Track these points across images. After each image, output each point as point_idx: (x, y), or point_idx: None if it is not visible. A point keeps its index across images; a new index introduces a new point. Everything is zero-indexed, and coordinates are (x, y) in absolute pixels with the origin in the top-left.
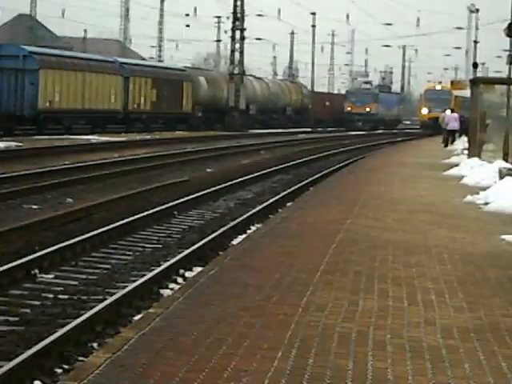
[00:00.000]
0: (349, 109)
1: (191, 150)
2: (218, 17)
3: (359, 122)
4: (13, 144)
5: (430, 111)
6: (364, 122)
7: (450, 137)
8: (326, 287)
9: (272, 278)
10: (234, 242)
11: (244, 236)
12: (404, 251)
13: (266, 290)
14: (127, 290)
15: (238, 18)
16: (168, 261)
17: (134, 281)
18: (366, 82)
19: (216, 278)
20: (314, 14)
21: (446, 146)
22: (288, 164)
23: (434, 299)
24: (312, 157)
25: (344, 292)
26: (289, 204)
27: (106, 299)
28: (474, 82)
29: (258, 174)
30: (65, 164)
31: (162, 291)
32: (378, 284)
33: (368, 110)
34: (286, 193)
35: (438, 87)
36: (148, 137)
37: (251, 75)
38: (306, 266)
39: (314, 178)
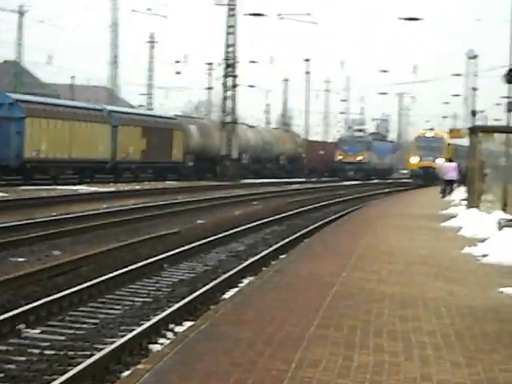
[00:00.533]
0: (340, 157)
1: (182, 201)
2: (210, 63)
3: (351, 172)
4: None
5: (420, 160)
6: (356, 171)
7: (448, 187)
8: (320, 342)
9: (264, 332)
10: (226, 295)
11: (236, 289)
12: (400, 304)
13: (258, 345)
14: (115, 345)
15: (229, 64)
16: (157, 315)
17: (122, 336)
18: (359, 130)
19: (207, 332)
20: (307, 60)
21: (443, 196)
22: (281, 215)
23: (431, 354)
24: (306, 207)
25: (339, 347)
26: (282, 256)
27: (93, 355)
28: (473, 131)
29: (250, 225)
30: (52, 215)
31: (151, 346)
32: (374, 338)
33: (360, 158)
34: (279, 245)
35: (430, 134)
36: (137, 187)
37: (244, 123)
38: (299, 321)
39: (308, 229)
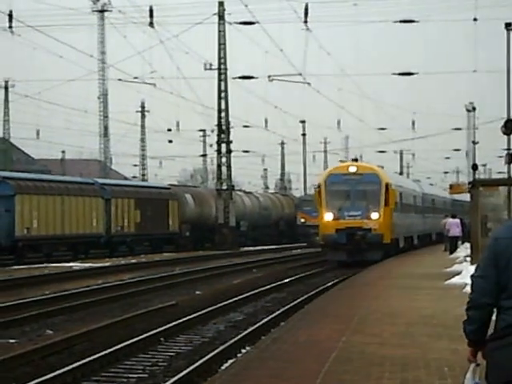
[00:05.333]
0: (302, 220)
1: (179, 273)
2: (203, 130)
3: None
4: None
5: (337, 217)
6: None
7: (452, 244)
8: None
9: None
10: (224, 366)
11: (233, 360)
12: (401, 367)
13: None
14: None
15: (223, 130)
16: None
17: None
18: None
19: None
20: (303, 122)
21: (450, 253)
22: (281, 282)
23: None
24: (306, 273)
25: None
26: (282, 324)
27: None
28: (474, 185)
29: (249, 293)
30: (45, 294)
31: None
32: None
33: None
34: (279, 312)
35: (353, 169)
36: (133, 260)
37: (240, 190)
38: None
39: (308, 295)
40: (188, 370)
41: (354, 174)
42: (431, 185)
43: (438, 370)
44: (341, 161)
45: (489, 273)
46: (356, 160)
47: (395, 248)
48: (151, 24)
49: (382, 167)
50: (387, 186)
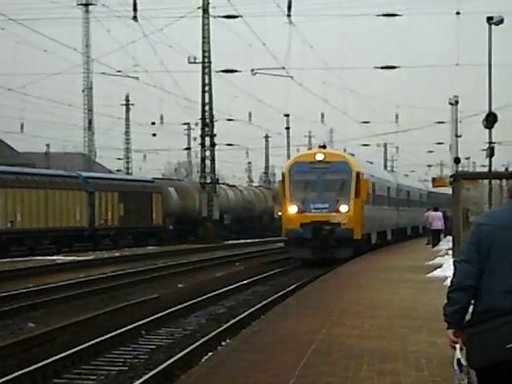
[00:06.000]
0: (280, 214)
1: (162, 266)
2: (187, 123)
3: None
4: None
5: (301, 210)
6: None
7: (434, 237)
8: None
9: None
10: (204, 359)
11: (213, 352)
12: (380, 359)
13: None
14: None
15: (206, 124)
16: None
17: None
18: None
19: None
20: (287, 115)
21: (433, 246)
22: (264, 275)
23: None
24: (290, 266)
25: None
26: (262, 316)
27: None
28: (455, 178)
29: (231, 287)
30: (27, 287)
31: None
32: None
33: None
34: (260, 305)
35: (320, 156)
36: (117, 254)
37: (224, 183)
38: (274, 381)
39: (291, 288)
40: (168, 362)
41: (321, 162)
42: (406, 175)
43: (415, 362)
44: (308, 148)
45: (472, 257)
46: (324, 147)
47: (367, 244)
48: (135, 18)
49: (353, 155)
50: (358, 175)
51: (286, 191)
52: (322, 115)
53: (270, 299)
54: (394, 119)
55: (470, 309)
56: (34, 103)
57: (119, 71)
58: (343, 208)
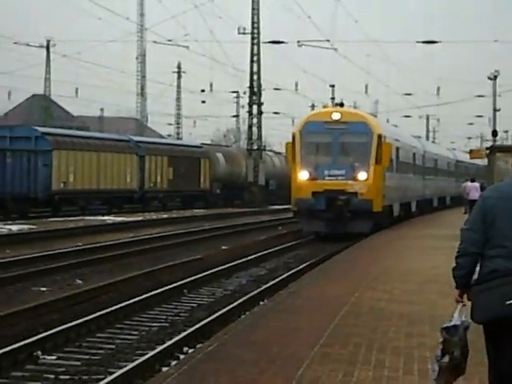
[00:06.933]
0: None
1: (208, 228)
2: (236, 92)
3: None
4: (25, 227)
5: (313, 177)
6: None
7: (471, 207)
8: (323, 360)
9: (270, 352)
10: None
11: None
12: (408, 322)
13: (261, 365)
14: (127, 368)
15: (254, 92)
16: (172, 339)
17: (136, 360)
18: None
19: (213, 353)
20: (333, 86)
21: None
22: (305, 239)
23: (430, 368)
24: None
25: (341, 363)
26: (299, 279)
27: (105, 378)
28: (491, 151)
29: (273, 250)
30: (77, 246)
31: (164, 369)
32: (377, 354)
33: None
34: (298, 268)
35: (336, 116)
36: (165, 215)
37: (270, 150)
38: (305, 340)
39: (331, 252)
40: (206, 320)
41: (337, 122)
42: (433, 142)
43: (441, 325)
44: (324, 106)
45: (477, 227)
46: (341, 105)
47: (388, 217)
48: None
49: (375, 116)
50: (380, 138)
51: (297, 155)
52: (366, 87)
53: (308, 263)
54: (435, 92)
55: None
56: (89, 69)
57: (170, 40)
58: (362, 175)
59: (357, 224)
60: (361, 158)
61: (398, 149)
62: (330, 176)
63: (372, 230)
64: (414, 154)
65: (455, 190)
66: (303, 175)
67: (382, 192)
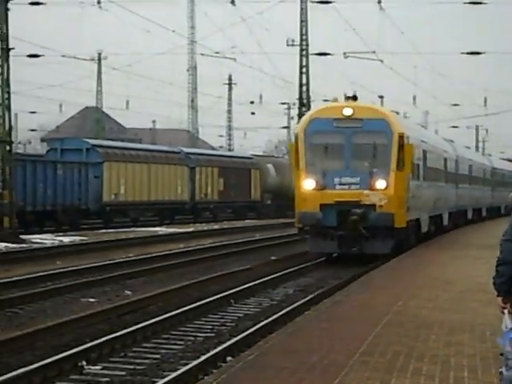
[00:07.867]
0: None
1: (258, 239)
2: (286, 103)
3: None
4: (77, 239)
5: (324, 186)
6: None
7: None
8: (361, 368)
9: (309, 360)
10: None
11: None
12: (448, 330)
13: (299, 373)
14: (170, 377)
15: (304, 103)
16: (216, 348)
17: (179, 369)
18: None
19: (252, 362)
20: (381, 97)
21: None
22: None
23: (466, 376)
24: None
25: (378, 372)
26: (345, 288)
27: None
28: None
29: (323, 259)
30: (128, 256)
31: (206, 378)
32: (414, 363)
33: None
34: (347, 278)
35: (347, 111)
36: (216, 226)
37: None
38: (345, 348)
39: (377, 262)
40: (251, 330)
41: (349, 118)
42: (467, 148)
43: (481, 334)
44: (334, 100)
45: None
46: (354, 98)
47: (414, 234)
48: (233, 2)
49: (397, 113)
50: (402, 138)
51: (300, 159)
52: (414, 98)
53: (356, 272)
54: (482, 103)
55: None
56: (138, 81)
57: (217, 52)
58: (380, 184)
59: (375, 243)
60: (379, 163)
61: (425, 152)
62: (341, 185)
63: (394, 251)
64: (445, 159)
65: (491, 199)
66: (309, 184)
67: (406, 204)
